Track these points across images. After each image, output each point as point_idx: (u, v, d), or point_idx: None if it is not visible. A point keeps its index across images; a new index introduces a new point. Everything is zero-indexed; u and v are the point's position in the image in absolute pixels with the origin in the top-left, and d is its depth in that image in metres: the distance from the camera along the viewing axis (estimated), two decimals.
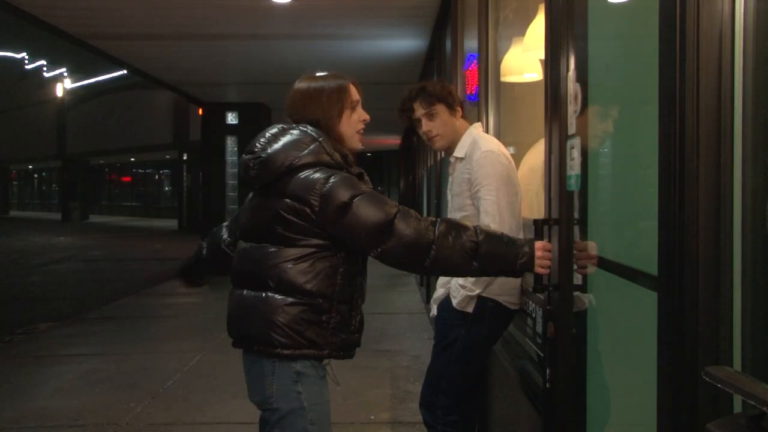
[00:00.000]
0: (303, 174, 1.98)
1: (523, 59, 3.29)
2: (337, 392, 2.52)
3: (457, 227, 2.00)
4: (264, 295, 1.99)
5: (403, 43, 7.32)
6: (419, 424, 3.50)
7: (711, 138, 1.25)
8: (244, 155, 2.11)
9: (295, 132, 2.07)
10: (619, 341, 1.93)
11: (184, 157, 26.91)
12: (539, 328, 2.47)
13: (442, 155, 5.46)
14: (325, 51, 7.64)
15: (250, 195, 2.20)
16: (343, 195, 1.94)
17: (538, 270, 2.06)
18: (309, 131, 2.07)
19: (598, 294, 2.04)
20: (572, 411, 2.10)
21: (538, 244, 2.10)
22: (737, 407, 1.22)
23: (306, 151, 2.00)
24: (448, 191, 3.01)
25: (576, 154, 1.99)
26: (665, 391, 1.35)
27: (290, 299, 1.97)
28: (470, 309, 2.76)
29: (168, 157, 31.41)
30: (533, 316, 2.59)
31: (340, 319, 2.04)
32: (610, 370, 1.98)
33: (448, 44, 5.78)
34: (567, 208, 2.07)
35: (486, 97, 3.83)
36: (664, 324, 1.35)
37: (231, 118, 11.78)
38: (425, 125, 2.86)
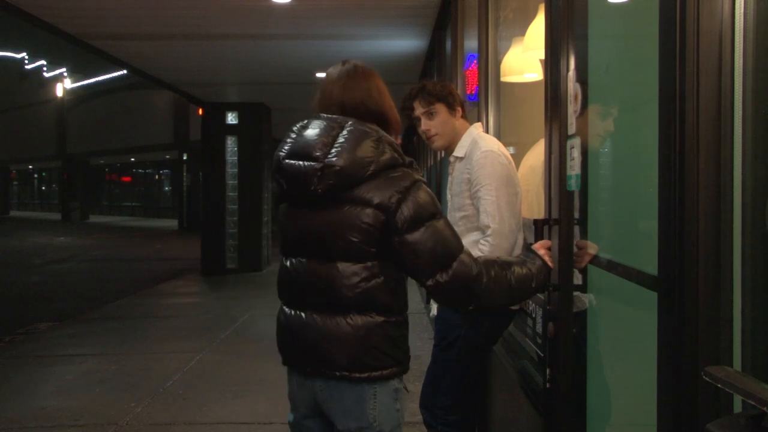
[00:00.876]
0: (382, 178, 1.78)
1: (523, 59, 3.28)
2: None
3: (499, 270, 1.89)
4: (345, 317, 1.82)
5: (403, 43, 7.31)
6: (419, 424, 3.49)
7: (711, 138, 1.25)
8: (291, 160, 1.83)
9: (351, 127, 1.81)
10: (619, 341, 1.94)
11: (184, 157, 26.92)
12: (539, 328, 2.47)
13: (442, 155, 5.46)
14: (325, 51, 7.63)
15: (284, 205, 1.95)
16: (422, 210, 1.78)
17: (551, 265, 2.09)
18: (361, 125, 1.83)
19: (598, 294, 2.04)
20: (572, 411, 2.10)
21: (536, 245, 2.10)
22: (737, 407, 1.22)
23: (380, 150, 1.78)
24: (448, 191, 3.01)
25: (576, 154, 1.99)
26: (665, 392, 1.35)
27: (372, 319, 1.82)
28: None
29: (168, 157, 31.44)
30: (533, 316, 2.59)
31: (407, 332, 1.94)
32: (610, 370, 1.98)
33: (448, 44, 5.77)
34: (567, 208, 2.07)
35: (486, 97, 3.83)
36: (664, 324, 1.35)
37: (231, 118, 11.77)
38: (424, 124, 2.87)
